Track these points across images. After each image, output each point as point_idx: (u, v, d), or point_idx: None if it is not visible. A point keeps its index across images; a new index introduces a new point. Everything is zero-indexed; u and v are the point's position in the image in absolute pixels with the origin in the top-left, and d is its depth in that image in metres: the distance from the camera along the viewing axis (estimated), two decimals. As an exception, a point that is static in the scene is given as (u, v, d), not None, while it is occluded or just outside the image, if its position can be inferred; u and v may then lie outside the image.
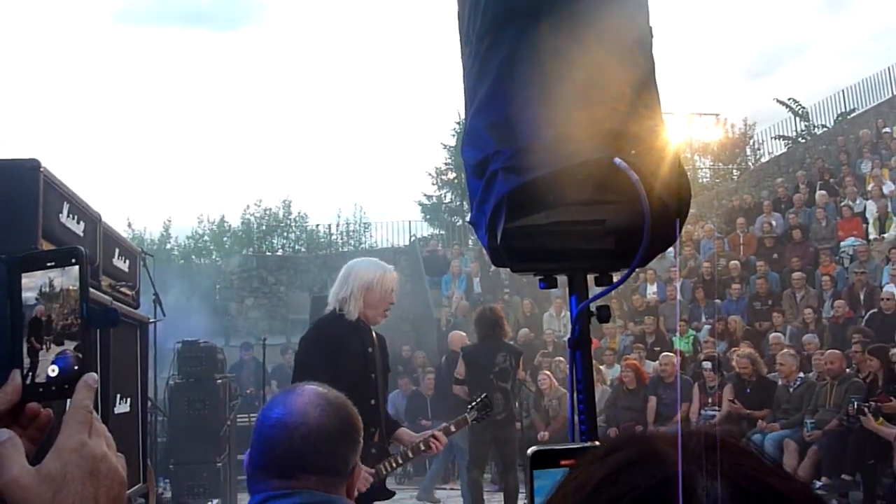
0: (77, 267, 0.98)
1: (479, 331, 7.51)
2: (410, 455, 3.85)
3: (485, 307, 8.37)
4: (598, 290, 1.93)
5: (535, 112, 1.75)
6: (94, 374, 0.96)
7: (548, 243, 1.88)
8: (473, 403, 4.57)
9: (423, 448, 3.84)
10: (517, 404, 10.81)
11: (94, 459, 0.91)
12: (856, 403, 7.55)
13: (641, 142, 1.75)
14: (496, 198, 1.71)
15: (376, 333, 3.82)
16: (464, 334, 8.73)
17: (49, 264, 0.99)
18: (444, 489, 10.12)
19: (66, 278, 0.98)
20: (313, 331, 3.84)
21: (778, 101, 25.04)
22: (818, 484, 7.97)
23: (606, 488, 0.53)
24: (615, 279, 1.97)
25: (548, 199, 1.70)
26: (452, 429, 4.29)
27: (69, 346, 0.97)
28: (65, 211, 2.86)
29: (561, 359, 11.39)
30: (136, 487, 3.63)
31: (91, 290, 3.10)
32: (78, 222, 3.00)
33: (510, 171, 1.69)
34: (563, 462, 0.92)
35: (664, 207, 1.72)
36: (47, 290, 0.98)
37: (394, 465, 3.73)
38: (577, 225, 1.85)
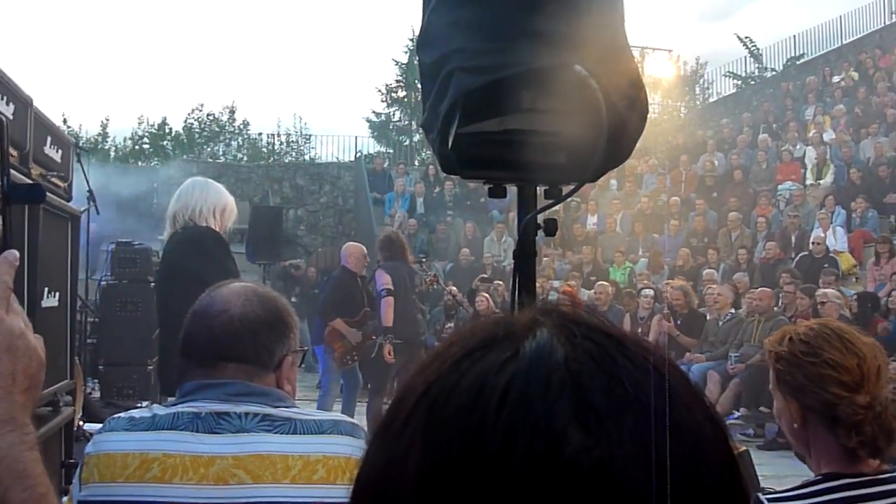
0: None
1: (389, 253, 7.18)
2: None
3: (390, 232, 8.15)
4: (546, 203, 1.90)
5: (497, 13, 1.68)
6: (16, 252, 0.90)
7: (500, 152, 1.83)
8: None
9: None
10: (453, 324, 10.97)
11: (11, 335, 0.87)
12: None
13: (604, 53, 1.70)
14: (451, 99, 1.66)
15: None
16: (363, 248, 7.55)
17: None
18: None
19: None
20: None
21: (736, 35, 25.17)
22: (736, 414, 8.32)
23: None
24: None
25: (504, 103, 1.66)
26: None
27: None
28: (-8, 90, 2.70)
29: (500, 282, 11.50)
30: (62, 384, 3.55)
31: (18, 175, 2.95)
32: (7, 104, 2.84)
33: (467, 72, 1.63)
34: None
35: (621, 121, 1.69)
36: None
37: None
38: (532, 135, 1.80)
